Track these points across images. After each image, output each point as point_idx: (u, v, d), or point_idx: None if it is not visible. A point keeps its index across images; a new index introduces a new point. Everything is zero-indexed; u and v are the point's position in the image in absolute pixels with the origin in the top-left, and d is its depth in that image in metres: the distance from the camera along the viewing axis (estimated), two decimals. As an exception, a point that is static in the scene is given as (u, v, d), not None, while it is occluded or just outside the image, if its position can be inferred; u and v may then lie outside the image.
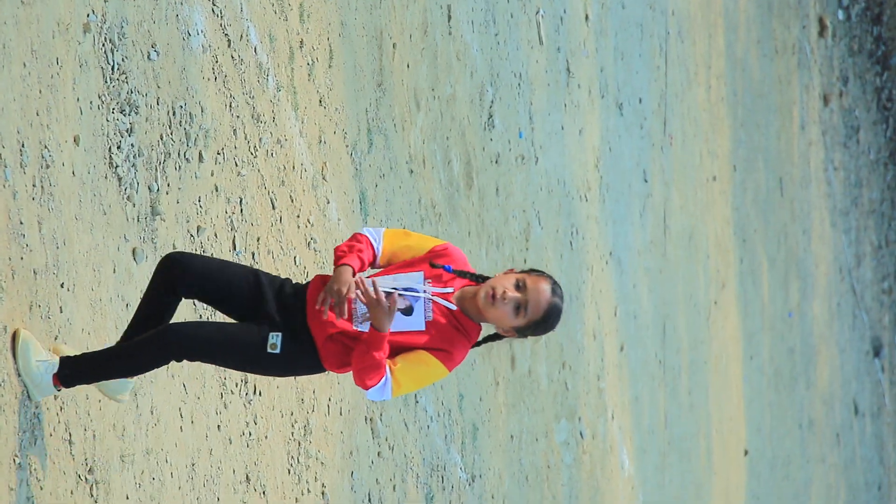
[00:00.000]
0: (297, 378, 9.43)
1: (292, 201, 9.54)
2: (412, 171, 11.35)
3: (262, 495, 8.89)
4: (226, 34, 8.81)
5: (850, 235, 28.78)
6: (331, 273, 6.65)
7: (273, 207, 9.28)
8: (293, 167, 9.58)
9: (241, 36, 9.00)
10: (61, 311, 7.02)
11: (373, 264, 6.70)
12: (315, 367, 6.66)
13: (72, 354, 6.72)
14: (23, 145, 6.77)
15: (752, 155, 22.45)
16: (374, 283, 6.43)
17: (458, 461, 11.84)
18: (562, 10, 14.88)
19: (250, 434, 8.83)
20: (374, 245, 6.67)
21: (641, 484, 16.36)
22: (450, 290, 6.62)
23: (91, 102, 7.41)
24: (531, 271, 6.67)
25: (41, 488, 6.72)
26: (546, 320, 6.63)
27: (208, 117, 8.56)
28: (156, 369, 6.75)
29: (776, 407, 22.95)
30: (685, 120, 19.08)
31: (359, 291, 6.45)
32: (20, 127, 6.76)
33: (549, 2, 14.53)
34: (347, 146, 10.36)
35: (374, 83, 10.83)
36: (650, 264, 17.37)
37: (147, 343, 6.64)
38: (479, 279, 6.68)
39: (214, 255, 8.58)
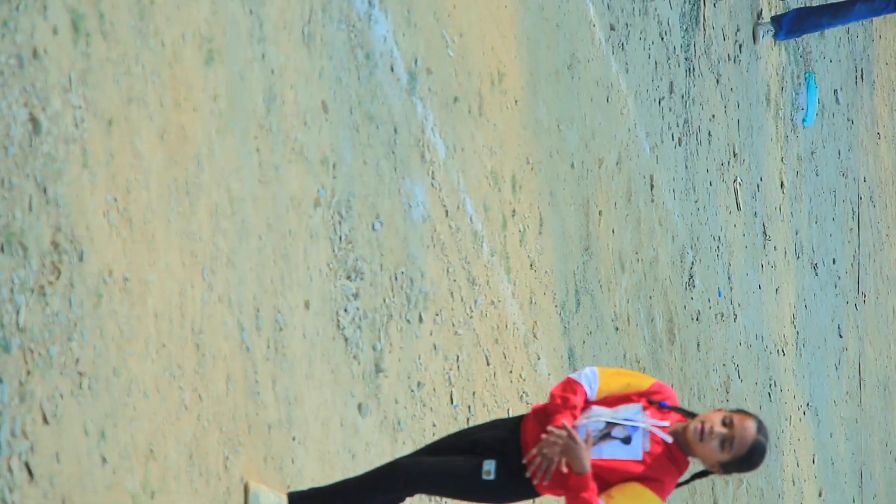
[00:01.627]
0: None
1: (505, 358, 9.53)
2: (617, 329, 11.31)
3: None
4: (444, 205, 8.87)
5: None
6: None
7: (487, 364, 9.28)
8: (506, 326, 9.59)
9: (458, 206, 9.05)
10: (293, 463, 7.06)
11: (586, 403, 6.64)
12: (528, 492, 6.61)
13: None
14: (258, 311, 6.85)
15: (942, 309, 22.10)
16: (568, 429, 6.36)
17: None
18: (758, 177, 14.82)
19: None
20: (590, 391, 6.61)
21: None
22: (666, 423, 6.54)
23: (320, 270, 7.48)
24: (738, 410, 6.58)
25: None
26: (750, 457, 6.51)
27: (427, 281, 8.60)
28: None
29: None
30: (878, 278, 18.85)
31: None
32: (256, 293, 6.84)
33: (746, 170, 14.48)
34: (556, 306, 10.35)
35: (581, 248, 10.83)
36: (846, 414, 17.11)
37: (376, 476, 6.69)
38: (691, 415, 6.60)
39: (436, 422, 8.58)
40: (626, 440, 6.50)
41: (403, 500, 6.81)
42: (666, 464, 6.52)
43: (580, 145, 10.98)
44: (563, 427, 6.37)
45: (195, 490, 6.20)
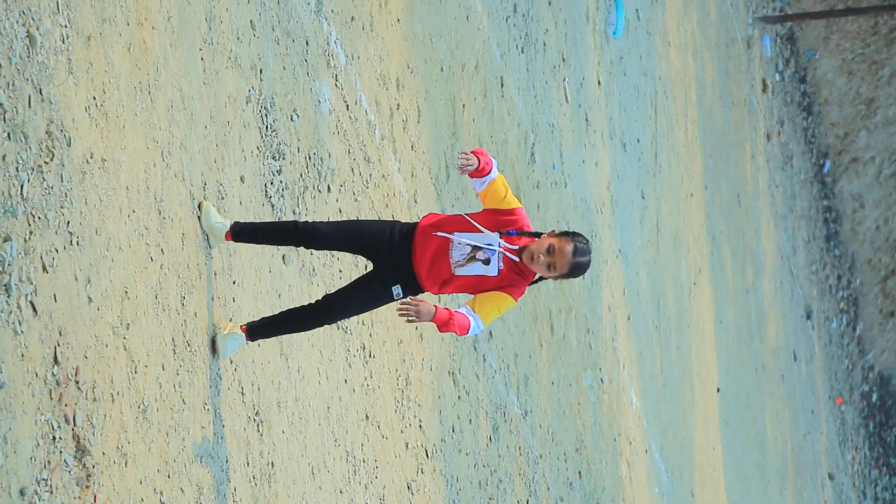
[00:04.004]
0: (401, 344, 9.42)
1: (393, 218, 9.51)
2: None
3: (377, 428, 8.88)
4: (345, 101, 8.80)
5: (788, 233, 28.59)
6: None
7: (381, 223, 9.23)
8: (394, 194, 9.56)
9: (356, 102, 8.98)
10: (234, 301, 7.03)
11: (482, 176, 6.58)
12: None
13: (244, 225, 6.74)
14: (205, 184, 6.78)
15: (718, 177, 22.32)
16: (417, 308, 6.34)
17: (515, 401, 11.80)
18: (581, 77, 14.82)
19: (368, 385, 8.82)
20: (485, 170, 6.56)
21: (645, 414, 16.29)
22: (516, 247, 6.53)
23: (252, 152, 7.41)
24: (563, 234, 6.52)
25: (223, 426, 6.73)
26: (572, 273, 6.51)
27: (334, 160, 8.55)
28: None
29: (739, 356, 22.82)
30: (670, 153, 18.98)
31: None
32: (203, 171, 6.77)
33: (571, 72, 14.47)
34: (432, 178, 10.33)
35: (449, 133, 10.80)
36: (648, 257, 17.29)
37: (307, 308, 6.73)
38: (536, 235, 6.59)
39: (342, 269, 8.57)
40: (486, 262, 6.53)
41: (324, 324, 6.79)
42: (516, 276, 6.58)
43: (447, 53, 10.91)
44: (411, 301, 6.35)
45: (160, 322, 6.15)
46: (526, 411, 12.04)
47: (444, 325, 6.40)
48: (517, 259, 6.51)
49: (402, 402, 9.35)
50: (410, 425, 9.44)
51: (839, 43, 30.68)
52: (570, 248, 6.45)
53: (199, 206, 6.65)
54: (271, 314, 7.05)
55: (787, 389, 26.66)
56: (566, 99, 14.25)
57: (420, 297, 7.09)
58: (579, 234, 6.56)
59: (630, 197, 16.64)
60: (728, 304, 22.13)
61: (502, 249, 6.52)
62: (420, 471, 9.49)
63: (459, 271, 6.54)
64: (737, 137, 24.20)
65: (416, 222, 6.70)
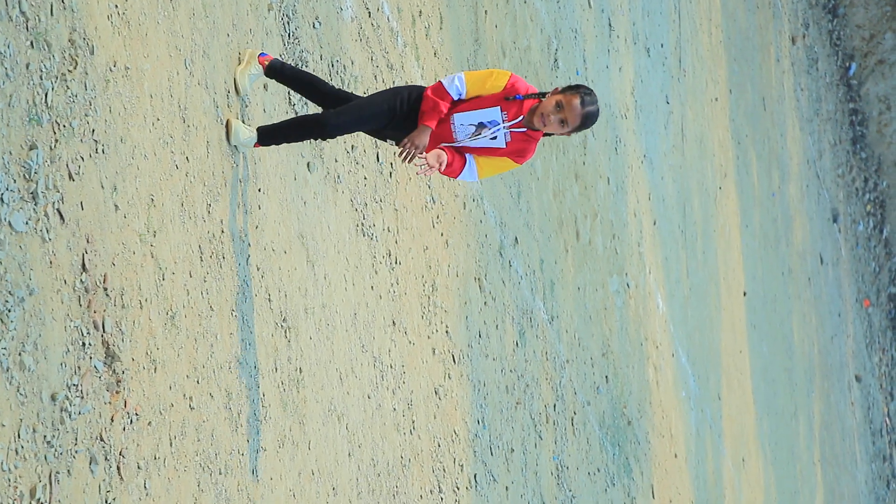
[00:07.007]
0: (426, 250, 9.44)
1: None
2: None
3: (404, 334, 8.93)
4: (367, 8, 8.76)
5: (814, 137, 28.44)
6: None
7: (404, 130, 9.21)
8: (417, 101, 9.53)
9: (378, 9, 8.94)
10: (259, 209, 7.05)
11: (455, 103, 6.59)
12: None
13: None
14: (228, 92, 6.77)
15: (743, 81, 22.19)
16: (413, 143, 6.42)
17: (542, 307, 11.84)
18: (604, -19, 14.72)
19: (394, 291, 8.85)
20: (456, 96, 6.52)
21: (671, 319, 16.33)
22: (519, 118, 6.52)
23: (274, 59, 7.38)
24: (567, 89, 6.49)
25: (251, 332, 6.78)
26: (584, 124, 6.50)
27: (357, 67, 8.52)
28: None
29: (765, 260, 22.81)
30: (694, 58, 18.86)
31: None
32: (226, 79, 6.76)
33: (594, -24, 14.36)
34: (455, 85, 10.29)
35: (472, 40, 10.74)
36: (673, 162, 17.25)
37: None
38: (542, 96, 6.58)
39: (366, 176, 8.57)
40: (493, 138, 6.53)
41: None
42: (523, 143, 6.59)
43: (469, -41, 10.84)
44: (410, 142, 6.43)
45: (186, 230, 6.18)
46: (552, 316, 12.08)
47: (440, 157, 6.42)
48: (523, 129, 6.51)
49: (429, 308, 9.39)
50: (437, 331, 9.48)
51: (865, -57, 30.32)
52: (577, 100, 6.42)
53: (226, 125, 6.66)
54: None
55: (813, 292, 26.66)
56: (589, 4, 14.14)
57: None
58: (583, 86, 6.56)
59: (654, 102, 16.57)
60: (754, 208, 22.08)
61: (507, 125, 6.50)
62: (447, 376, 9.55)
63: (467, 143, 6.56)
64: (761, 41, 24.01)
65: (423, 90, 6.64)
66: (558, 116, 6.43)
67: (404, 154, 6.46)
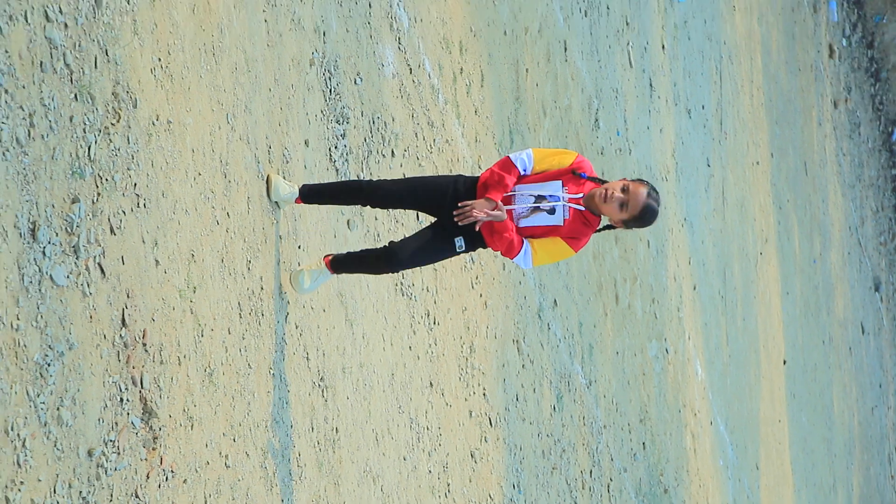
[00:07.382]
0: (465, 311, 9.43)
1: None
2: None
3: (441, 396, 8.90)
4: (408, 65, 8.80)
5: (856, 203, 28.38)
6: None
7: (444, 189, 9.23)
8: (458, 159, 9.56)
9: (419, 66, 8.98)
10: (298, 266, 7.06)
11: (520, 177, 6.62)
12: (478, 244, 6.70)
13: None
14: (270, 147, 6.80)
15: (784, 145, 22.17)
16: (471, 205, 6.42)
17: (580, 371, 11.80)
18: (645, 41, 14.75)
19: (432, 352, 8.84)
20: (523, 171, 6.57)
21: (710, 386, 16.25)
22: (581, 195, 6.54)
23: (316, 116, 7.43)
24: (636, 180, 6.53)
25: (288, 391, 6.77)
26: (643, 216, 6.49)
27: (397, 124, 8.55)
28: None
29: (806, 329, 22.69)
30: (735, 120, 18.87)
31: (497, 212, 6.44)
32: (268, 134, 6.79)
33: (636, 36, 14.41)
34: (495, 143, 10.32)
35: (513, 98, 10.78)
36: (713, 226, 17.22)
37: (375, 253, 6.80)
38: (602, 182, 6.60)
39: (405, 234, 8.58)
40: (551, 212, 6.52)
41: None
42: (580, 225, 6.58)
43: (510, 17, 10.88)
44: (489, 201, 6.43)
45: (226, 286, 6.19)
46: (590, 381, 12.03)
47: (501, 229, 6.42)
48: (582, 208, 6.51)
49: (467, 369, 9.36)
50: (474, 393, 9.45)
51: (909, 8, 30.34)
52: (643, 189, 6.46)
53: (266, 180, 6.69)
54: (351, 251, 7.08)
55: (854, 362, 26.49)
56: (630, 64, 14.18)
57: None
58: (650, 182, 6.60)
59: (695, 164, 16.57)
60: (795, 274, 22.00)
61: (566, 199, 6.51)
62: (483, 439, 9.51)
63: (524, 223, 6.54)
64: (803, 104, 24.02)
65: (479, 176, 6.70)
66: (621, 197, 6.44)
67: (460, 214, 6.44)
